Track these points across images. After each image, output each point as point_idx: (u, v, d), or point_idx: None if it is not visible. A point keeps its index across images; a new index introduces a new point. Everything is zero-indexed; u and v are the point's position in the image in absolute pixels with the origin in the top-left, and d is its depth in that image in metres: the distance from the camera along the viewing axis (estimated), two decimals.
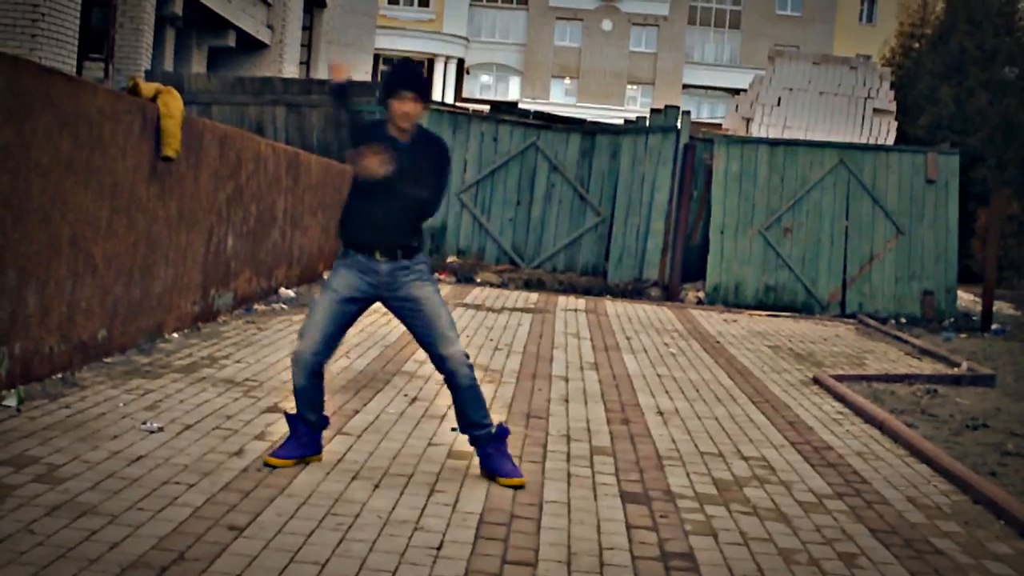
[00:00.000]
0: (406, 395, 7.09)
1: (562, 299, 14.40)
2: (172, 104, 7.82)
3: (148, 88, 7.80)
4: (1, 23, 14.26)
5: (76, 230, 6.56)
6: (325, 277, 13.82)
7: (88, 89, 6.69)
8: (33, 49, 14.21)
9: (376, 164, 4.98)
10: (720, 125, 32.36)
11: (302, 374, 5.16)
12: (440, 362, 5.17)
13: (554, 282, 15.95)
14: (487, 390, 7.36)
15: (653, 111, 17.25)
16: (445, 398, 7.07)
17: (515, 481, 5.12)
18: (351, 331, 9.69)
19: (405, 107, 5.06)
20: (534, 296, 14.46)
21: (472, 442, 5.29)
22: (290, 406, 6.30)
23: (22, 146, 5.81)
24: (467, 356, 5.21)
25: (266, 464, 5.08)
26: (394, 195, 5.07)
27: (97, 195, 6.82)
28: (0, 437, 5.07)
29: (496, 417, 6.45)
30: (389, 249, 5.11)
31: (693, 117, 16.86)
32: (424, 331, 5.18)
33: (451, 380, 5.18)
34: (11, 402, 5.67)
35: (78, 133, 6.47)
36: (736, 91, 42.91)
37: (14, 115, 5.70)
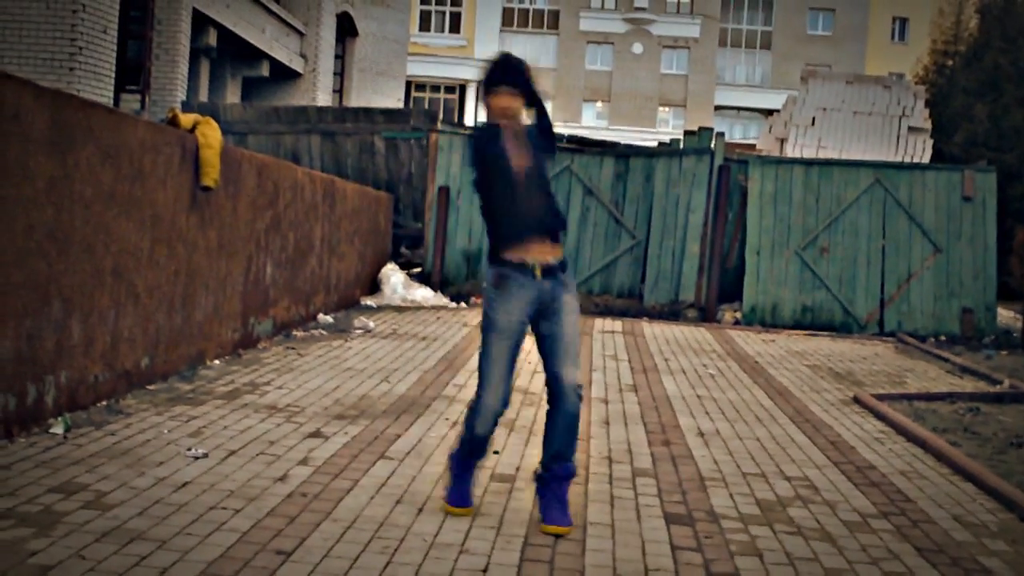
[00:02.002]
0: (447, 419, 7.11)
1: (599, 321, 14.40)
2: (211, 135, 7.92)
3: (187, 119, 7.90)
4: (40, 57, 14.50)
5: (119, 260, 6.64)
6: (363, 303, 13.85)
7: (129, 121, 6.79)
8: (71, 82, 14.43)
9: None
10: (754, 146, 32.28)
11: (490, 422, 4.90)
12: (555, 382, 4.83)
13: (590, 305, 15.94)
14: (527, 414, 7.38)
15: (687, 133, 17.24)
16: None
17: (557, 529, 4.74)
18: (390, 356, 9.72)
19: (502, 102, 4.83)
20: None
21: (539, 479, 4.96)
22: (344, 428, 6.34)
23: (66, 178, 5.90)
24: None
25: (448, 512, 4.92)
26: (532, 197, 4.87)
27: (139, 226, 6.91)
28: (48, 464, 5.13)
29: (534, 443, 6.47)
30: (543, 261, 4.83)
31: (726, 138, 16.83)
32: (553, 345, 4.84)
33: (557, 403, 4.85)
34: (58, 430, 5.74)
35: (120, 165, 6.56)
36: (768, 112, 42.85)
37: (58, 148, 5.79)
